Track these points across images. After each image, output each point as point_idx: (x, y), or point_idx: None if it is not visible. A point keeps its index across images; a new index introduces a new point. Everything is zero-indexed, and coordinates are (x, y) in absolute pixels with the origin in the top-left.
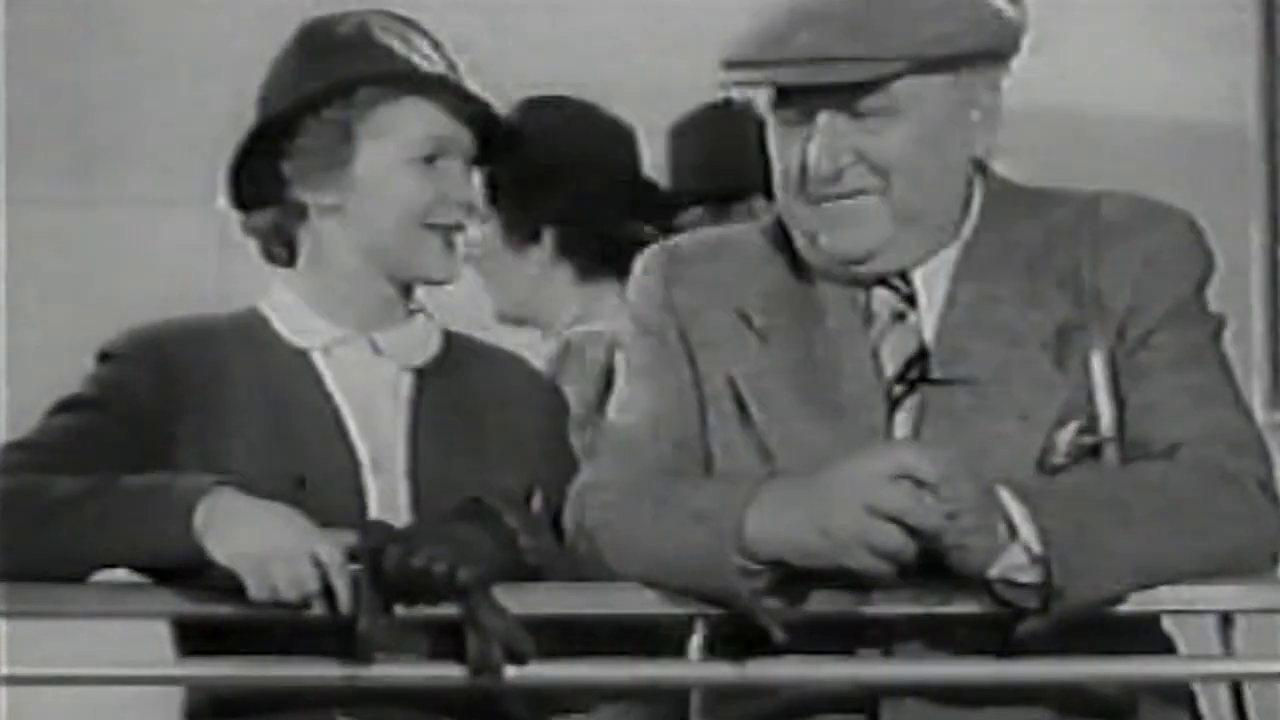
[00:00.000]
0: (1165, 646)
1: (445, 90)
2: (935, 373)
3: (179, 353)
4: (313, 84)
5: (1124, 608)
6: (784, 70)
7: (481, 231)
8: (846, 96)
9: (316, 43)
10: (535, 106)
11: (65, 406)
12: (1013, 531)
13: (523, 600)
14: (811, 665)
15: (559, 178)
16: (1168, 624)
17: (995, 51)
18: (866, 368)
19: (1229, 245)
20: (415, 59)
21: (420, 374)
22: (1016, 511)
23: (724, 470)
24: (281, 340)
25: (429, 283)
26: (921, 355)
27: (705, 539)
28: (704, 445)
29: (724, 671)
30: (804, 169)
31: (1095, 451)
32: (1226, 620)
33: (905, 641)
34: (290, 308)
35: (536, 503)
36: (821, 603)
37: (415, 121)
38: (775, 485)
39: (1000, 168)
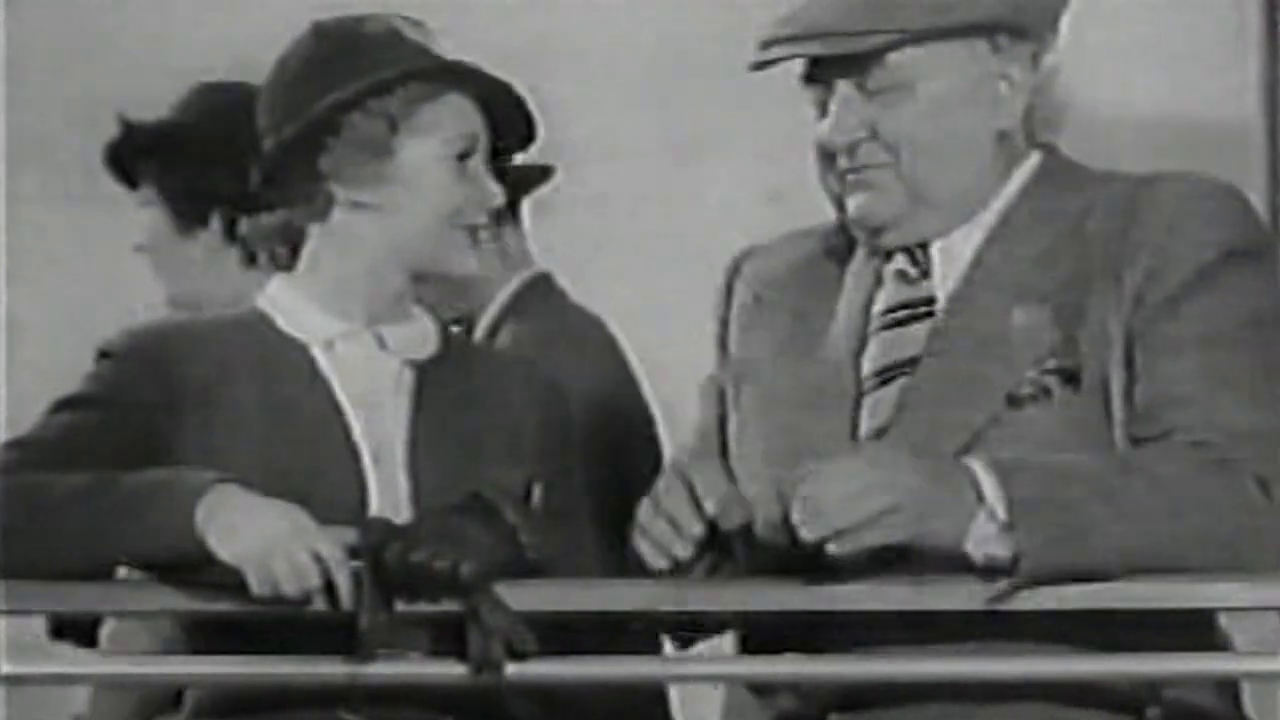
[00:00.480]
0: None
1: (483, 85)
2: (941, 319)
3: (179, 351)
4: (363, 79)
5: (1159, 603)
6: (789, 46)
7: (149, 216)
8: (858, 71)
9: (346, 42)
10: (204, 91)
11: (65, 405)
12: (980, 500)
13: (524, 596)
14: (817, 664)
15: (225, 161)
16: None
17: (1013, 25)
18: (854, 313)
19: None
20: (448, 56)
21: (421, 369)
22: (985, 481)
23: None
24: (284, 336)
25: (450, 278)
26: (923, 302)
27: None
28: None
29: (726, 669)
30: (822, 143)
31: (1071, 378)
32: None
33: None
34: (293, 304)
35: (536, 497)
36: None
37: (454, 118)
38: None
39: None
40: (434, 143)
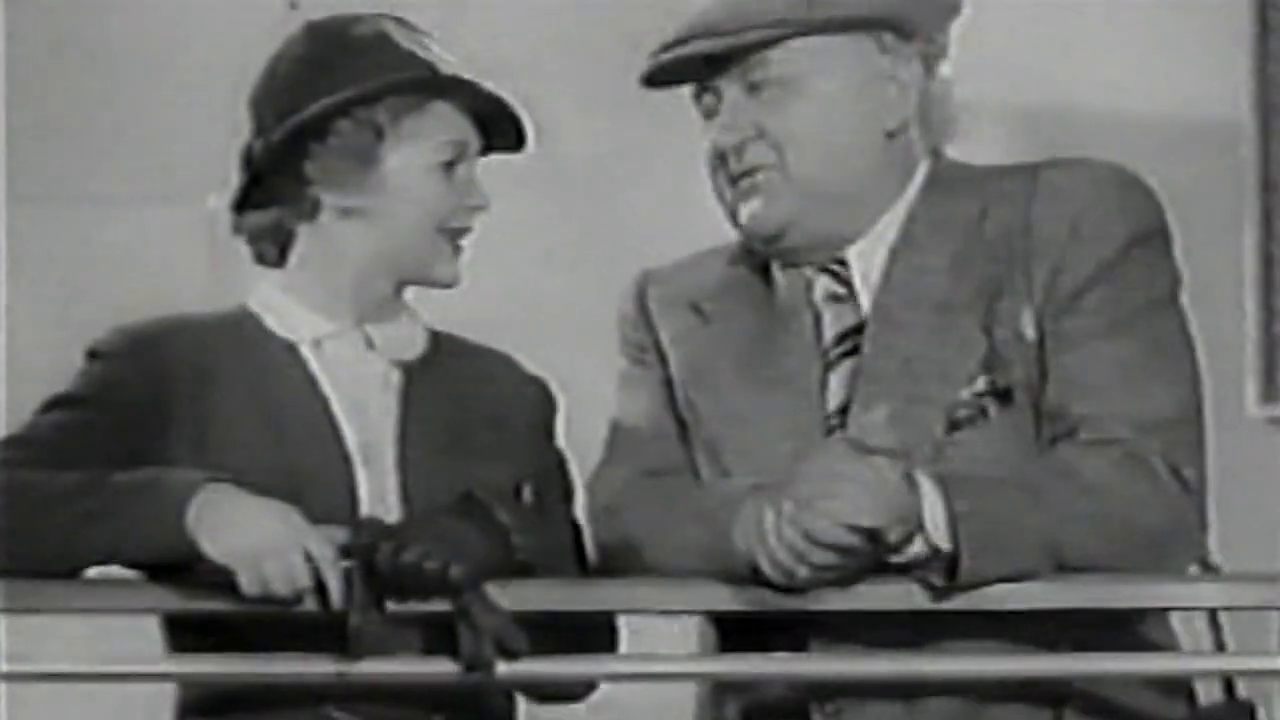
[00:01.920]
0: (1169, 640)
1: (472, 95)
2: (867, 344)
3: (169, 350)
4: (350, 87)
5: (1093, 603)
6: (675, 50)
7: None
8: (743, 73)
9: (336, 45)
10: None
11: (56, 404)
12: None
13: (515, 596)
14: (811, 662)
15: None
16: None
17: (898, 23)
18: (806, 341)
19: (1223, 241)
20: (437, 64)
21: (409, 369)
22: (928, 491)
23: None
24: (272, 336)
25: (435, 286)
26: (858, 329)
27: (705, 541)
28: (684, 441)
29: (720, 666)
30: (713, 148)
31: (1005, 396)
32: (1215, 615)
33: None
34: (282, 304)
35: (526, 495)
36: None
37: (441, 126)
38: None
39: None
40: (421, 151)
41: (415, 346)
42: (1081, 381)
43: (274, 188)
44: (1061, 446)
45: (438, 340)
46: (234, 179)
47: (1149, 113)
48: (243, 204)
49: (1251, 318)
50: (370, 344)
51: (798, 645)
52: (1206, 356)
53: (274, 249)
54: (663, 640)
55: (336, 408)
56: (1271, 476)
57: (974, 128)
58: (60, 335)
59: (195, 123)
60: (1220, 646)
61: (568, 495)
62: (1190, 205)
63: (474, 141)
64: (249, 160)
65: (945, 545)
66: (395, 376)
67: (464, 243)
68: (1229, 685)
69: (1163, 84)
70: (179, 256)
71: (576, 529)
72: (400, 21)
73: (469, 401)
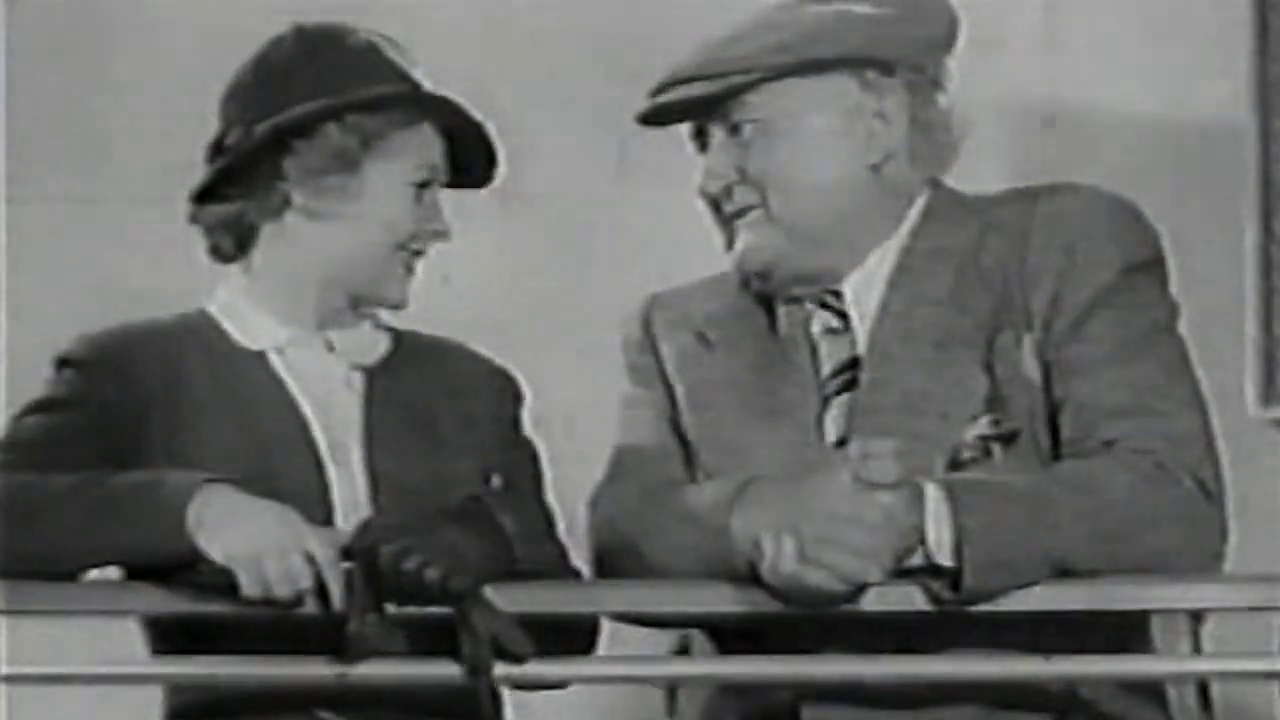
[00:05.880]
0: (1148, 645)
1: (458, 120)
2: (863, 378)
3: (137, 356)
4: (347, 91)
5: (1097, 605)
6: (657, 97)
7: None
8: (724, 117)
9: (332, 49)
10: None
11: (36, 409)
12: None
13: (516, 599)
14: (808, 664)
15: None
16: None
17: (877, 61)
18: (805, 374)
19: (1224, 243)
20: (422, 85)
21: (371, 372)
22: (935, 502)
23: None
24: (233, 341)
25: (383, 305)
26: (854, 362)
27: (699, 540)
28: (686, 463)
29: (715, 668)
30: (700, 189)
31: (1010, 440)
32: (1196, 618)
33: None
34: (240, 309)
35: (495, 484)
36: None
37: (422, 146)
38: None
39: (992, 166)
40: (399, 168)
41: (376, 350)
42: (1100, 407)
43: (245, 180)
44: (1084, 460)
45: (400, 340)
46: None
47: (1149, 113)
48: (205, 195)
49: (1251, 320)
50: (331, 348)
51: (793, 648)
52: (1206, 359)
53: (231, 242)
54: (642, 637)
55: (306, 410)
56: (1272, 478)
57: (973, 130)
58: (59, 335)
59: (193, 123)
60: (1197, 649)
61: (538, 485)
62: (1190, 206)
63: (443, 169)
64: (219, 152)
65: (948, 563)
66: (357, 379)
67: (417, 267)
68: (1205, 696)
69: (1163, 84)
70: (177, 257)
71: (549, 517)
72: (387, 39)
73: (433, 398)
